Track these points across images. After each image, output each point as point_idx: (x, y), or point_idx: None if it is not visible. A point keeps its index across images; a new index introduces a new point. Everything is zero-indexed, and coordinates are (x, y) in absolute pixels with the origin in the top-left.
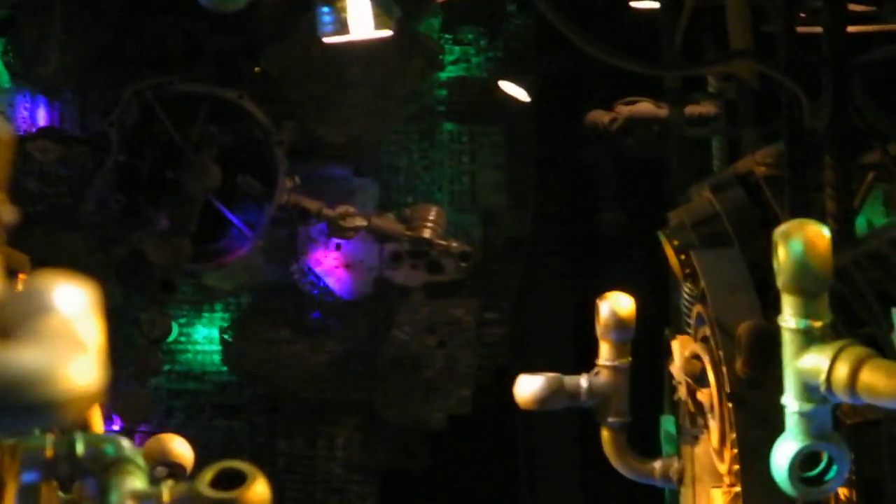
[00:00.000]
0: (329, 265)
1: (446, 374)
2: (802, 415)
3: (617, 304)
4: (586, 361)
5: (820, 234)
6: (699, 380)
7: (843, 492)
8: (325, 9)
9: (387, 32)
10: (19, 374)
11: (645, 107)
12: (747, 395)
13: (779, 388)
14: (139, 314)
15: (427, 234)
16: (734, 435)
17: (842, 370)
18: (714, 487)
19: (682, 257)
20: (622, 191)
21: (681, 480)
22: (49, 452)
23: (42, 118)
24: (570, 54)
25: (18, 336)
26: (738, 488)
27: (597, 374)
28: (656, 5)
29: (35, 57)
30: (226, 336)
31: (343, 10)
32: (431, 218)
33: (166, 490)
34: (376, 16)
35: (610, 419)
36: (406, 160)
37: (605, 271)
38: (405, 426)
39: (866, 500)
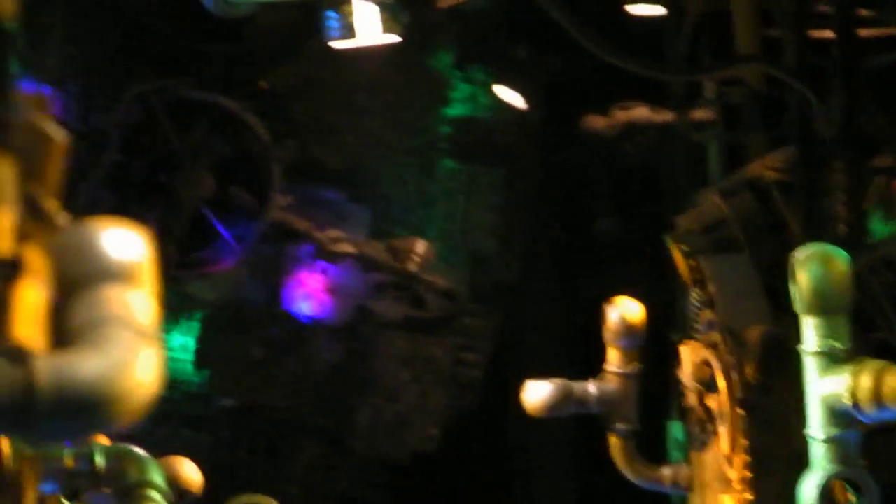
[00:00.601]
0: (312, 287)
1: (416, 410)
2: (830, 441)
3: (626, 310)
4: (581, 368)
5: (840, 259)
6: (709, 386)
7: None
8: (332, 13)
9: (394, 38)
10: (86, 387)
11: (642, 112)
12: (758, 400)
13: (789, 394)
14: None
15: (413, 268)
16: (745, 441)
17: (865, 382)
18: (724, 494)
19: (691, 263)
20: (618, 196)
21: (690, 487)
22: (69, 463)
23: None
24: (567, 59)
25: (78, 332)
26: (748, 495)
27: (605, 380)
28: (655, 12)
29: (40, 48)
30: (200, 347)
31: (349, 14)
32: (419, 252)
33: None
34: (384, 21)
35: (618, 426)
36: (402, 192)
37: (602, 276)
38: (369, 456)
39: None
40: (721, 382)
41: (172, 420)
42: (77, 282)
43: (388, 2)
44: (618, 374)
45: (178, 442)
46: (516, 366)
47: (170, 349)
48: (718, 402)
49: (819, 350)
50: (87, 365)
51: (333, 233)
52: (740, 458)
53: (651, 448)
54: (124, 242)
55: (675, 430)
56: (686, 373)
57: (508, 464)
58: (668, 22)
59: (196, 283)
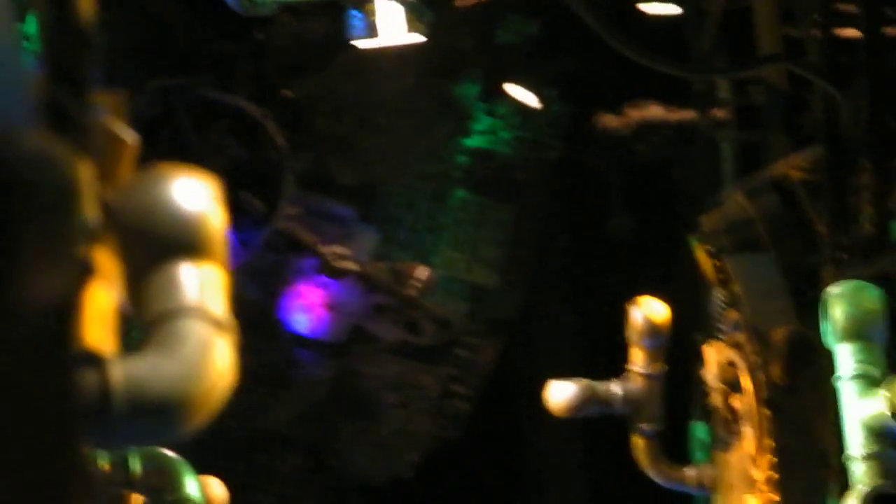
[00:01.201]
0: (311, 301)
1: (399, 435)
2: (870, 457)
3: (650, 310)
4: (595, 369)
5: (873, 292)
6: (733, 386)
7: None
8: (356, 12)
9: (418, 37)
10: (161, 391)
11: (656, 110)
12: (784, 401)
13: (814, 394)
14: None
15: (413, 293)
16: (770, 441)
17: None
18: (748, 494)
19: (716, 262)
20: (632, 195)
21: (714, 488)
22: (105, 468)
23: None
24: (580, 58)
25: (151, 326)
26: (774, 496)
27: (629, 380)
28: (672, 11)
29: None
30: None
31: (372, 13)
32: (421, 278)
33: None
34: (408, 20)
35: (643, 426)
36: (411, 216)
37: (616, 276)
38: (347, 477)
39: None
40: (746, 383)
41: None
42: (145, 257)
43: (411, 1)
44: (642, 374)
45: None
46: (526, 377)
47: None
48: (743, 402)
49: (856, 374)
50: (161, 369)
51: (338, 249)
52: (765, 459)
53: (674, 448)
54: (192, 200)
55: (699, 430)
56: (710, 373)
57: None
58: (690, 21)
59: None
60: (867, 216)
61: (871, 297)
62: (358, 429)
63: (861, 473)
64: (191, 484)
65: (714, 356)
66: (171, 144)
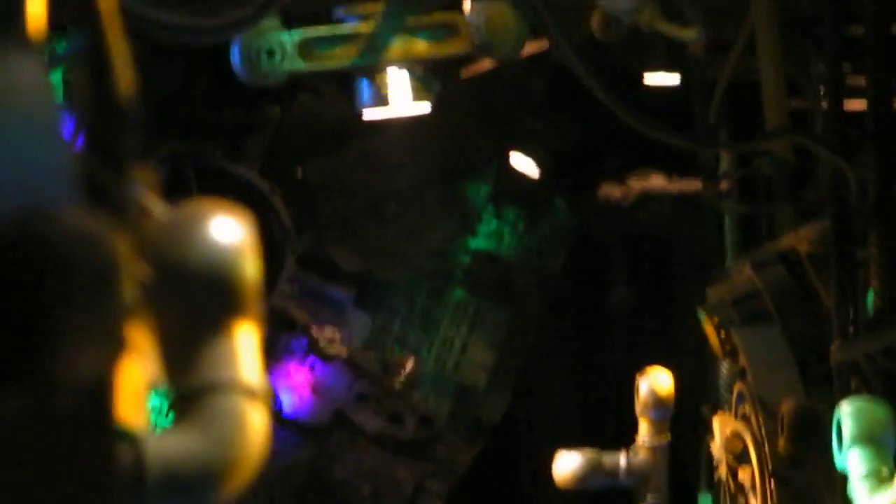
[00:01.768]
0: (297, 381)
1: None
2: None
3: (655, 381)
4: (591, 440)
5: (883, 407)
6: (740, 458)
7: None
8: (365, 81)
9: (425, 105)
10: (193, 467)
11: (657, 181)
12: (790, 473)
13: (821, 468)
14: None
15: (399, 385)
16: None
17: None
18: None
19: (723, 334)
20: (631, 266)
21: None
22: None
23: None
24: (580, 127)
25: (183, 399)
26: None
27: (635, 452)
28: (673, 82)
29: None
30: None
31: (384, 85)
32: (408, 370)
33: None
34: (415, 89)
35: (649, 498)
36: (407, 309)
37: (617, 347)
38: None
39: None
40: (752, 455)
41: None
42: (175, 317)
43: (419, 73)
44: (648, 447)
45: None
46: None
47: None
48: (750, 474)
49: (867, 473)
50: (194, 446)
51: (330, 332)
52: None
53: None
54: (225, 248)
55: (705, 502)
56: (717, 445)
57: None
58: (696, 92)
59: None
60: (875, 289)
61: (882, 411)
62: None
63: None
64: None
65: (721, 428)
66: None
